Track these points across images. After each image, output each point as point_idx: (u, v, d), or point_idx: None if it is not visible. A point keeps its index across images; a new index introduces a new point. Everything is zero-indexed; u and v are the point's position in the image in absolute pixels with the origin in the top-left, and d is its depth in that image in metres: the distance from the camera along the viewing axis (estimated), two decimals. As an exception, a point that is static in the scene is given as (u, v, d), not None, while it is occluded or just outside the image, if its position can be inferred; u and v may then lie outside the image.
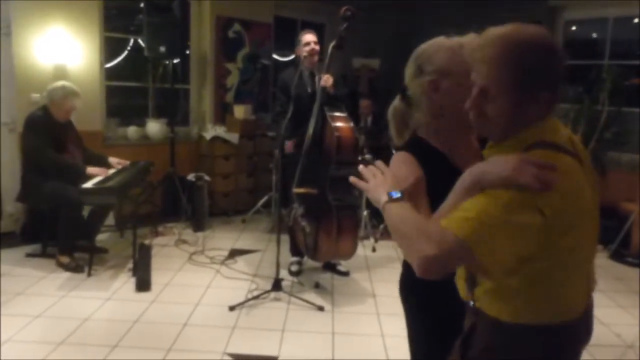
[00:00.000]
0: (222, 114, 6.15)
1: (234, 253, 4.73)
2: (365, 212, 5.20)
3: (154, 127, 5.73)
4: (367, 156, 4.76)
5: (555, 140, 1.18)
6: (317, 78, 4.03)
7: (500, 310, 1.26)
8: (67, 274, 4.03)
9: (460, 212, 1.15)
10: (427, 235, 1.16)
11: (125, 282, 3.96)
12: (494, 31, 1.22)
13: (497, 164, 1.15)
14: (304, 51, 4.08)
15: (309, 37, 4.09)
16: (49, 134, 4.11)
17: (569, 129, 1.33)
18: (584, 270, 1.26)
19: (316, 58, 4.08)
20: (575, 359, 1.34)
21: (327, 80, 3.77)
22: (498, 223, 1.11)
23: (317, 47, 4.09)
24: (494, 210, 1.11)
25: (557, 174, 1.10)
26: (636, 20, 5.78)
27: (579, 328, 1.29)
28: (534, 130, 1.19)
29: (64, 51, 4.85)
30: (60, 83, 4.25)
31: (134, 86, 6.03)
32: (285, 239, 4.21)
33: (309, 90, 4.08)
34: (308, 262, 4.37)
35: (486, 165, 1.19)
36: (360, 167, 1.45)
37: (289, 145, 4.09)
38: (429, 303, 1.63)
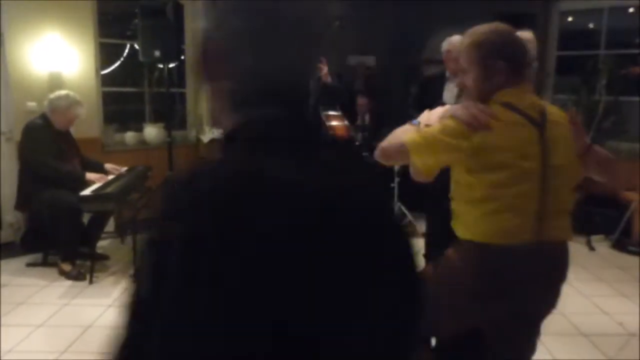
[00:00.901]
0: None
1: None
2: (365, 210, 5.19)
3: (152, 131, 5.73)
4: (365, 154, 4.75)
5: (511, 102, 1.63)
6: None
7: (457, 228, 1.75)
8: (68, 282, 4.04)
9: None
10: (392, 136, 1.79)
11: (127, 288, 3.96)
12: (470, 29, 1.73)
13: (460, 105, 1.69)
14: None
15: None
16: (49, 142, 4.11)
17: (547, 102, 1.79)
18: (524, 206, 1.64)
19: None
20: (518, 277, 1.67)
21: (320, 68, 3.74)
22: (433, 139, 1.64)
23: None
24: (435, 131, 1.65)
25: (496, 122, 1.58)
26: (631, 10, 5.76)
27: (521, 252, 1.64)
28: (501, 94, 1.66)
29: (59, 58, 4.85)
30: (63, 92, 4.26)
31: (130, 91, 6.03)
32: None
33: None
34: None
35: (456, 105, 1.73)
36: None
37: None
38: None
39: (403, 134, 1.76)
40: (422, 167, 1.65)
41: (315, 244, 0.65)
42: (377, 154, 1.84)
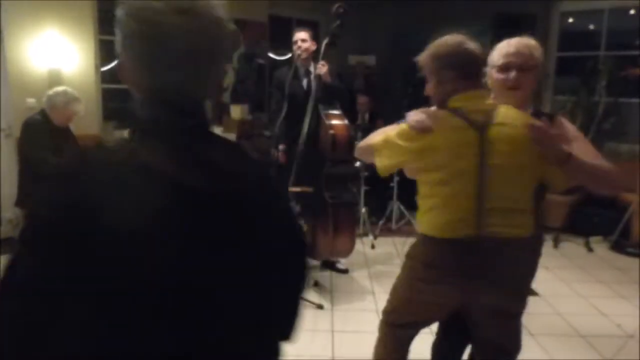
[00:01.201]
0: (219, 114, 6.14)
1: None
2: (363, 209, 5.20)
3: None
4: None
5: (458, 107, 1.80)
6: (312, 76, 4.00)
7: (417, 222, 1.99)
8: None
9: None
10: (369, 137, 2.06)
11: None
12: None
13: (415, 111, 1.89)
14: (293, 50, 4.06)
15: (297, 35, 4.03)
16: (49, 138, 4.10)
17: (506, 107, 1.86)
18: (461, 203, 1.78)
19: (304, 56, 4.03)
20: (461, 269, 1.82)
21: (322, 67, 3.73)
22: (389, 141, 1.88)
23: (304, 45, 3.99)
24: (393, 134, 1.88)
25: (439, 126, 1.78)
26: (632, 12, 5.76)
27: (462, 246, 1.80)
28: (453, 99, 1.83)
29: (58, 55, 4.84)
30: (61, 88, 4.24)
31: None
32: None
33: (304, 87, 4.05)
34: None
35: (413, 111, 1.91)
36: None
37: (281, 154, 4.04)
38: None
39: (378, 135, 1.99)
40: (380, 167, 1.94)
41: (160, 223, 0.77)
42: (355, 152, 2.23)
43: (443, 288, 1.87)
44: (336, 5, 3.53)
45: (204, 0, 0.84)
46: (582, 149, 1.85)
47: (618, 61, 5.58)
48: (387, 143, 1.90)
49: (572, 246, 5.18)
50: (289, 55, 4.28)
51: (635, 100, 5.56)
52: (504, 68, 1.97)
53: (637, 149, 5.40)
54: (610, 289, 4.13)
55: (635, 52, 5.66)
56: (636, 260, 4.77)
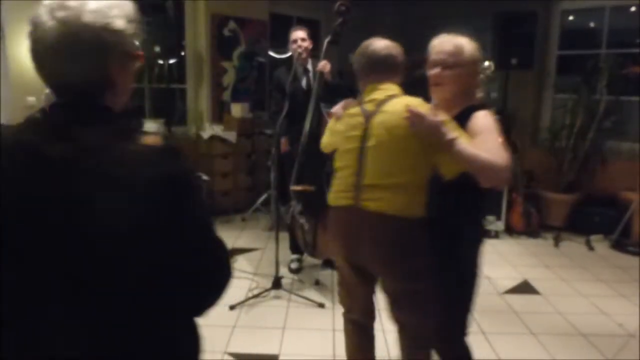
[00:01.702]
0: (219, 112, 6.14)
1: (234, 252, 4.72)
2: (364, 208, 5.18)
3: (151, 127, 5.71)
4: None
5: (362, 98, 2.17)
6: (311, 74, 3.99)
7: None
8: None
9: None
10: None
11: None
12: None
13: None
14: (292, 49, 4.05)
15: (295, 35, 4.02)
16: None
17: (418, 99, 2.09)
18: (346, 178, 2.13)
19: (304, 55, 4.02)
20: (342, 233, 2.17)
21: (324, 65, 3.72)
22: (329, 125, 2.37)
23: (304, 44, 3.99)
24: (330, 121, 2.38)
25: (344, 114, 2.21)
26: (633, 9, 5.75)
27: (343, 213, 2.15)
28: (364, 92, 2.19)
29: (58, 54, 4.84)
30: None
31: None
32: (284, 236, 4.20)
33: (304, 86, 4.05)
34: (308, 259, 4.36)
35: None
36: None
37: (283, 143, 4.05)
38: None
39: None
40: (321, 143, 2.43)
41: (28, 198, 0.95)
42: None
43: (340, 251, 2.21)
44: (338, 3, 3.52)
45: (78, 10, 0.99)
46: (483, 142, 1.86)
47: (619, 59, 5.56)
48: (328, 126, 2.37)
49: (573, 245, 5.18)
50: (290, 53, 4.27)
51: (636, 98, 5.55)
52: (430, 65, 2.06)
53: (637, 148, 5.40)
54: (611, 288, 4.13)
55: (636, 50, 5.64)
56: (637, 259, 4.77)
